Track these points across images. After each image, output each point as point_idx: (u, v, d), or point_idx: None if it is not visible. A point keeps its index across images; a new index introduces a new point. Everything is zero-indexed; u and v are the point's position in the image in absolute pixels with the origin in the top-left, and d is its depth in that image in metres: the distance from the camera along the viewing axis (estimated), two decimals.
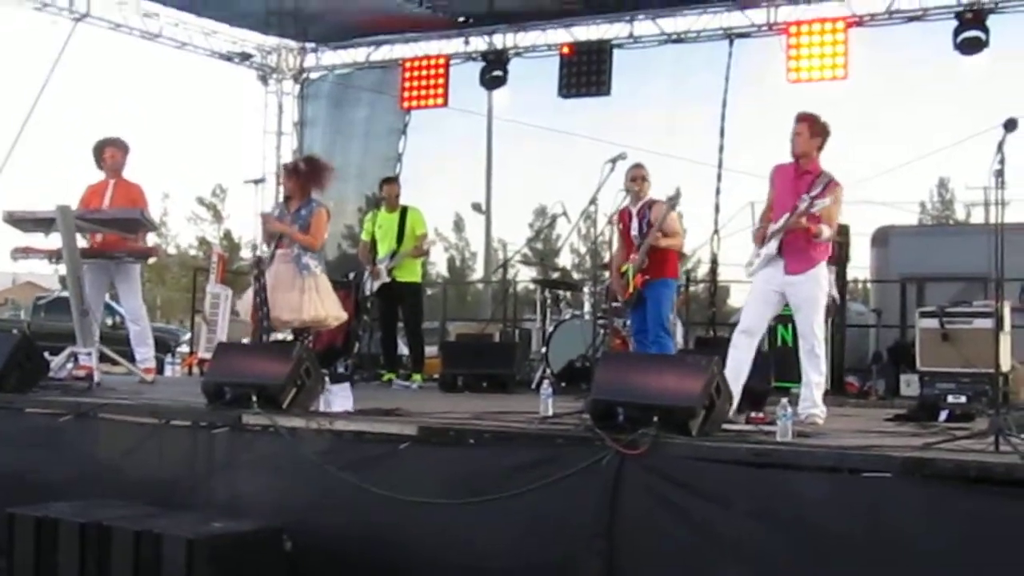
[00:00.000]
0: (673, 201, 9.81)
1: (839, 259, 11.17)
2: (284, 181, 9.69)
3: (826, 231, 7.39)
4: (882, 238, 14.01)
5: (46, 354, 9.10)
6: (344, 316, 9.82)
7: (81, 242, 9.56)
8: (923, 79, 14.18)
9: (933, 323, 9.34)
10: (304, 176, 9.63)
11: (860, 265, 13.91)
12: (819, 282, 7.50)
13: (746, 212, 12.38)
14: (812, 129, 7.51)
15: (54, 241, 9.30)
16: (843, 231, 11.32)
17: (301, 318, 9.26)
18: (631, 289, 9.67)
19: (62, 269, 9.39)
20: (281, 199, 9.66)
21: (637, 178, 9.77)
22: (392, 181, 12.33)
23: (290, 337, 9.56)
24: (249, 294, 9.83)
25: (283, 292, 9.25)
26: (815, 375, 7.41)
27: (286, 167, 10.11)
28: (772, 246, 7.48)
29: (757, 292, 7.63)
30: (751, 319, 7.58)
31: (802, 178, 7.50)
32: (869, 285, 15.23)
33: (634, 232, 9.74)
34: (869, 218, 14.05)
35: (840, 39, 13.28)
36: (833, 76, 13.34)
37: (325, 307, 9.41)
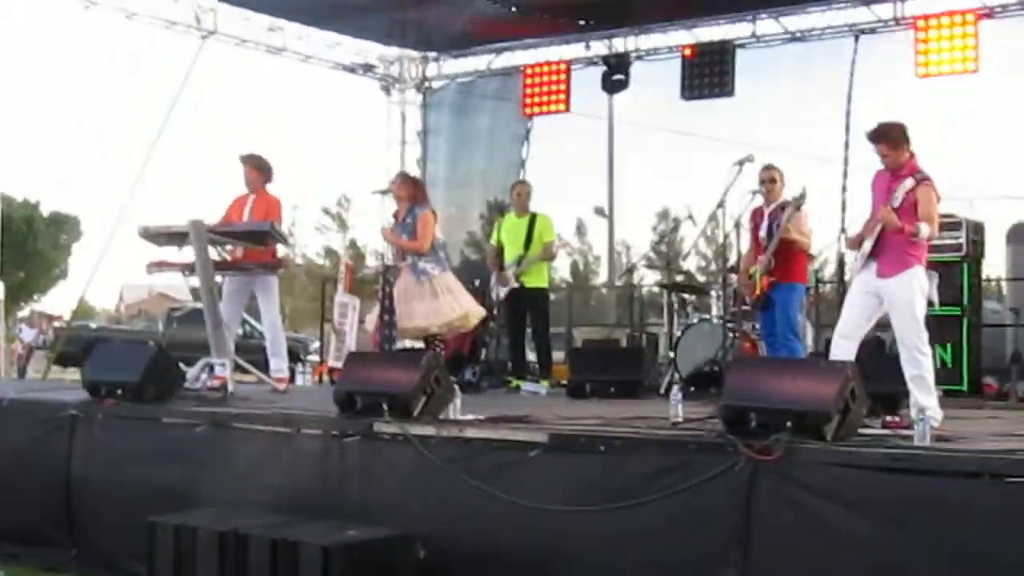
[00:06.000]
0: (798, 201, 9.68)
1: (974, 256, 10.94)
2: (396, 190, 10.18)
3: (924, 229, 7.14)
4: (1018, 234, 13.62)
5: (180, 364, 9.28)
6: (483, 312, 10.09)
7: (216, 255, 9.74)
8: None
9: None
10: (412, 185, 10.10)
11: (995, 263, 13.54)
12: (913, 285, 7.21)
13: None
14: (890, 144, 7.34)
15: (187, 254, 9.47)
16: (977, 229, 11.08)
17: (437, 322, 9.55)
18: (758, 291, 9.61)
19: (195, 281, 9.58)
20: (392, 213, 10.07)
21: (767, 180, 9.73)
22: (524, 183, 12.46)
23: (420, 345, 9.71)
24: (377, 309, 10.08)
25: (410, 303, 9.57)
26: (916, 378, 7.07)
27: (400, 175, 10.51)
28: (867, 245, 7.31)
29: (854, 295, 7.46)
30: (847, 323, 7.39)
31: (897, 180, 7.32)
32: (1004, 283, 14.82)
33: (763, 234, 9.69)
34: (1005, 214, 13.67)
35: (970, 32, 13.00)
36: (964, 69, 13.07)
37: (463, 305, 9.73)
